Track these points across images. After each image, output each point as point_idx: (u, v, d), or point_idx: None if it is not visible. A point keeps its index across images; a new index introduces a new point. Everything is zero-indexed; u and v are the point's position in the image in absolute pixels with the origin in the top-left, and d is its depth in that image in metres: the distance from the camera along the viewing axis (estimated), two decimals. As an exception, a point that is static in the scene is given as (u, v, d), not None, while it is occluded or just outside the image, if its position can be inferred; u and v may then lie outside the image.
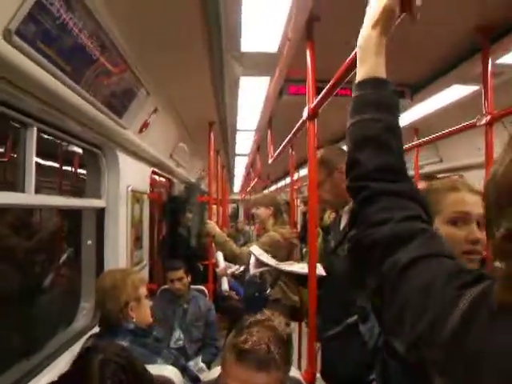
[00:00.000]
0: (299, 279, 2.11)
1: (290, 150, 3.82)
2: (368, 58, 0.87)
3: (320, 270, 2.00)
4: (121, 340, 1.84)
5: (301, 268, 2.13)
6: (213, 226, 3.54)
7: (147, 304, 2.07)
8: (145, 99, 2.66)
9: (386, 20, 0.87)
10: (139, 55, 2.15)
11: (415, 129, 3.67)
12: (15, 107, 1.74)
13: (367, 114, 0.83)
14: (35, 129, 1.94)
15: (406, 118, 3.34)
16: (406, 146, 3.13)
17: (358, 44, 0.91)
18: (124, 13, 1.73)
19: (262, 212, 3.58)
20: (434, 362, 0.60)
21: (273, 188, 11.56)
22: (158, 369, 1.73)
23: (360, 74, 0.88)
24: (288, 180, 8.28)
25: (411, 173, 3.99)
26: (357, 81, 0.88)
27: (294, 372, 1.78)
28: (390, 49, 0.89)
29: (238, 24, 1.84)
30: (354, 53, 1.36)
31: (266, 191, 3.98)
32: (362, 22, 0.96)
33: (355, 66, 1.37)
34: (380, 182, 0.78)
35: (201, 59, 2.21)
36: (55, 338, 2.48)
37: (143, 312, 2.03)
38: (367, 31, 0.88)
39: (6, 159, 3.95)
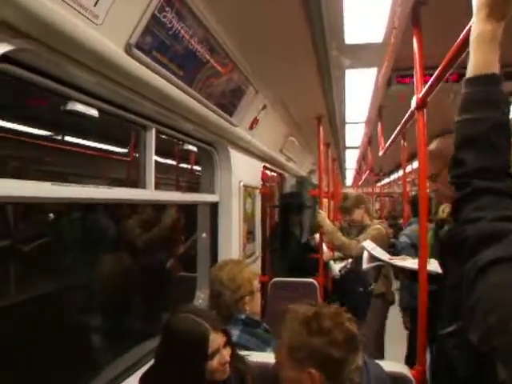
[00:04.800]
0: (412, 275, 2.04)
1: (402, 142, 3.69)
2: (480, 51, 0.81)
3: (436, 267, 1.91)
4: (232, 328, 1.93)
5: (414, 264, 2.06)
6: (323, 216, 3.57)
7: (259, 297, 2.13)
8: (253, 97, 2.75)
9: (498, 6, 0.80)
10: (246, 55, 2.23)
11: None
12: (136, 112, 1.92)
13: (473, 114, 0.81)
14: (154, 130, 2.11)
15: None
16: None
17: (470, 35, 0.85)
18: (230, 17, 1.81)
19: (358, 214, 3.58)
20: (500, 352, 0.63)
21: (385, 181, 11.21)
22: (269, 357, 1.79)
23: (470, 68, 0.83)
24: (400, 173, 7.98)
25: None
26: (466, 77, 0.83)
27: (402, 368, 1.73)
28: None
29: (340, 16, 1.82)
30: (461, 35, 1.29)
31: (350, 191, 3.88)
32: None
33: (464, 49, 1.30)
34: (482, 180, 0.78)
35: (306, 54, 2.23)
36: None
37: (255, 305, 2.10)
38: (478, 20, 0.82)
39: (129, 159, 4.35)
